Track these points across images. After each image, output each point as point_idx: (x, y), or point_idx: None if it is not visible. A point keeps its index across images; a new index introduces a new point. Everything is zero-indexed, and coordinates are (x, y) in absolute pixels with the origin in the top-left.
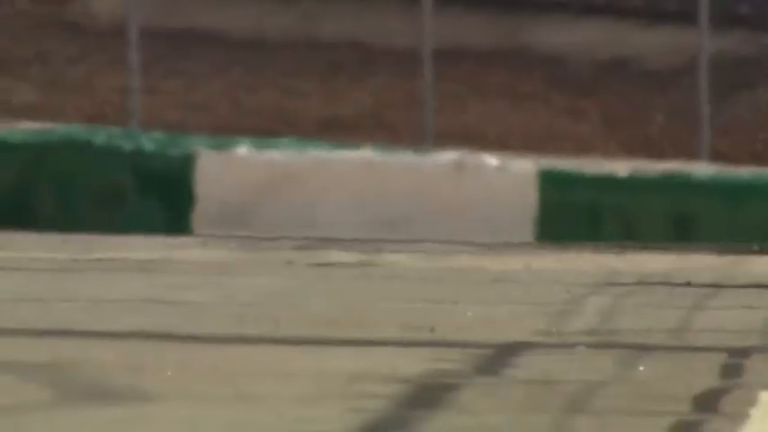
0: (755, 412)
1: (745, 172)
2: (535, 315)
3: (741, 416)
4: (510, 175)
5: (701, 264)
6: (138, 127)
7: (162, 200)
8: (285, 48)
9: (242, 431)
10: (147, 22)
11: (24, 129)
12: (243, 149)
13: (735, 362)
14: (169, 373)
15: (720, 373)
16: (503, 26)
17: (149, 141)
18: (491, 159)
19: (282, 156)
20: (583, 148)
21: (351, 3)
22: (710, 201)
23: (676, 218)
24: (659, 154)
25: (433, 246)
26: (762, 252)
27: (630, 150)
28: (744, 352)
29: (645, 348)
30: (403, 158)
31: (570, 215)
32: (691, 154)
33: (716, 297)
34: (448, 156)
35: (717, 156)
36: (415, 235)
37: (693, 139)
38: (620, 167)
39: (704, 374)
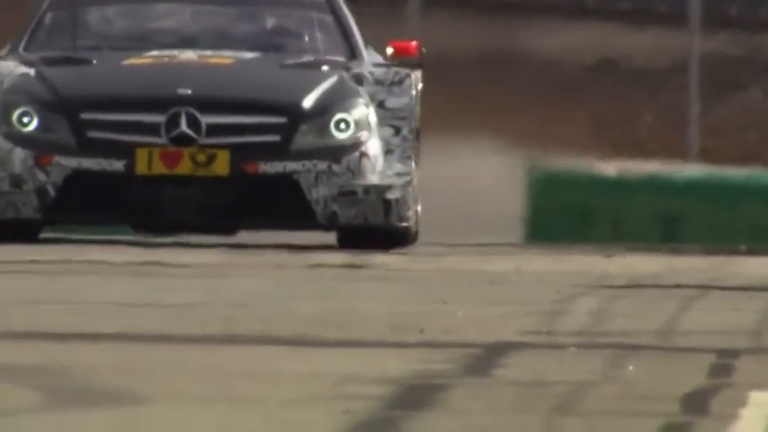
0: (745, 412)
1: (734, 173)
2: (525, 316)
3: (731, 416)
4: (498, 177)
5: (691, 265)
6: None
7: None
8: None
9: None
10: None
11: None
12: None
13: (724, 363)
14: (158, 375)
15: (710, 374)
16: (491, 29)
17: None
18: (479, 161)
19: None
20: (572, 149)
21: None
22: (700, 201)
23: (665, 218)
24: (648, 155)
25: (421, 247)
26: (751, 253)
27: (620, 151)
28: (733, 353)
29: (634, 349)
30: None
31: (559, 216)
32: (680, 155)
33: (705, 298)
34: (437, 158)
35: (706, 156)
36: None
37: (683, 139)
38: (610, 168)
39: (694, 375)
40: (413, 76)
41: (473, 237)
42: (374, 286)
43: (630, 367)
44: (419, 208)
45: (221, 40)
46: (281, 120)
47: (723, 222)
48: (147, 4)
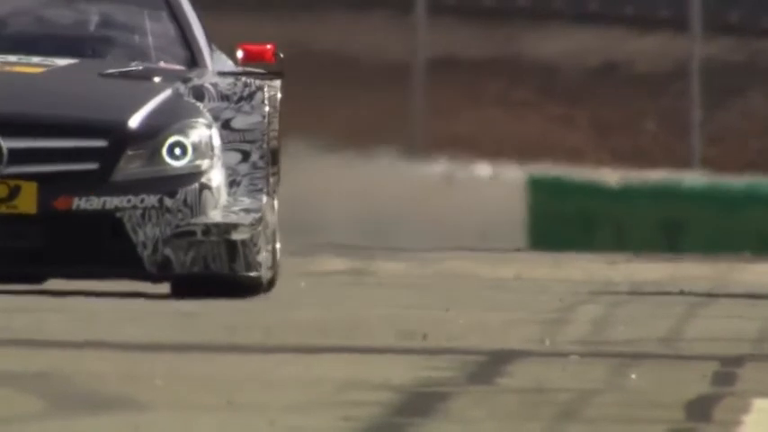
0: (749, 419)
1: (736, 180)
2: (528, 323)
3: (734, 423)
4: (501, 184)
5: (694, 272)
6: None
7: None
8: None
9: None
10: None
11: None
12: None
13: (727, 370)
14: (160, 383)
15: (713, 382)
16: (495, 35)
17: None
18: (483, 168)
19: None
20: (575, 155)
21: (344, 13)
22: (701, 209)
23: (667, 226)
24: (650, 162)
25: (424, 253)
26: (754, 261)
27: (622, 158)
28: (736, 361)
29: (637, 357)
30: (395, 167)
31: (561, 223)
32: (682, 162)
33: (708, 306)
34: (440, 165)
35: (708, 163)
36: (408, 243)
37: (685, 147)
38: (612, 175)
39: (697, 383)
40: (266, 88)
41: (475, 243)
42: (376, 293)
43: (633, 375)
44: (278, 245)
45: (28, 42)
46: (101, 144)
47: (726, 230)
48: None
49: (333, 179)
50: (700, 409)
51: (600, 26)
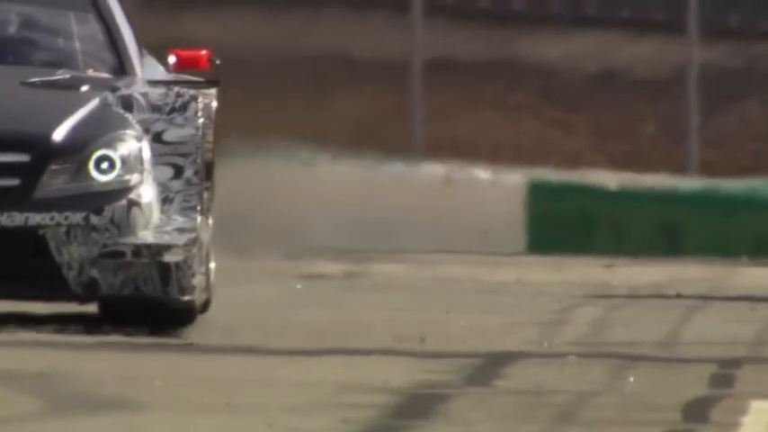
0: (746, 420)
1: (734, 184)
2: (526, 326)
3: (731, 425)
4: (500, 187)
5: (691, 276)
6: None
7: None
8: (273, 61)
9: None
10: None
11: None
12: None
13: (724, 372)
14: (159, 383)
15: (710, 384)
16: (493, 38)
17: None
18: (481, 171)
19: (275, 165)
20: (573, 159)
21: (340, 15)
22: (699, 213)
23: (665, 230)
24: (648, 166)
25: (423, 256)
26: (751, 264)
27: (620, 162)
28: (733, 363)
29: (635, 359)
30: (393, 170)
31: (560, 227)
32: (680, 166)
33: (705, 309)
34: (438, 168)
35: (706, 168)
36: (406, 246)
37: (683, 151)
38: (610, 179)
39: (694, 385)
40: (200, 98)
41: (475, 246)
42: (375, 296)
43: (631, 378)
44: (213, 265)
45: None
46: (23, 158)
47: (723, 233)
48: None
49: (330, 181)
50: (697, 410)
51: (597, 30)
